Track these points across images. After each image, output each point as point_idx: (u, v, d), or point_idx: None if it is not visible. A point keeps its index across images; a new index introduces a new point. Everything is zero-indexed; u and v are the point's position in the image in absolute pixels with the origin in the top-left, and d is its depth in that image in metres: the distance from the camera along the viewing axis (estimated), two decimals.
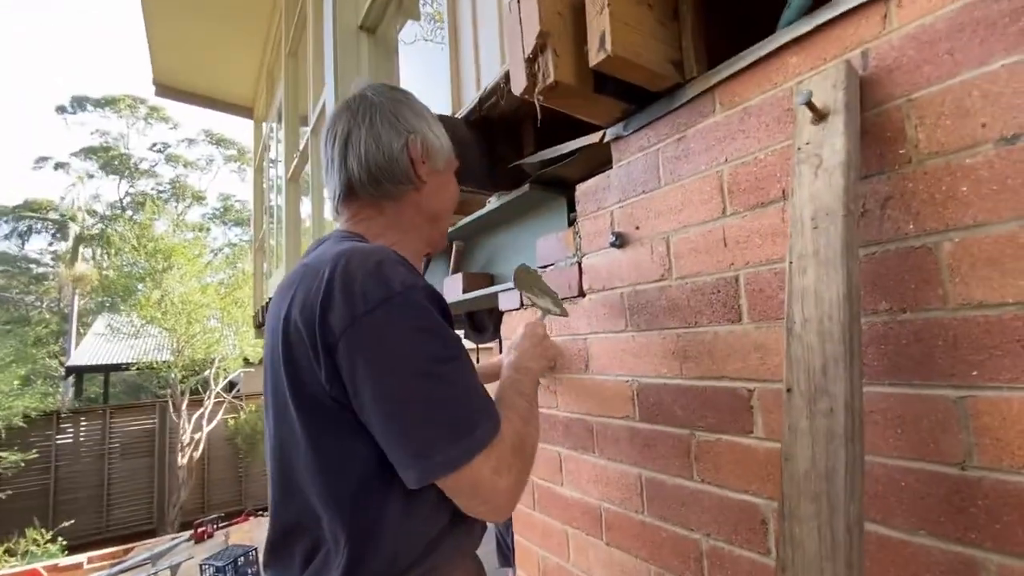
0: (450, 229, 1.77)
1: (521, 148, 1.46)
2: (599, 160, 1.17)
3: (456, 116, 1.47)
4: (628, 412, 1.04)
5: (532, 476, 1.36)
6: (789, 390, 0.58)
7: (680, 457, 0.93)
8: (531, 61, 0.90)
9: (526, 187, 1.34)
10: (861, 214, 0.67)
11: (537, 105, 0.94)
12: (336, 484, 0.64)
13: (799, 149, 0.66)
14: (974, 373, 0.58)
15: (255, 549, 4.82)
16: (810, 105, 0.64)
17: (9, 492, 7.26)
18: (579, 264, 1.18)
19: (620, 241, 1.05)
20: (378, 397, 0.59)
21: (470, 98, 1.45)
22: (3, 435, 7.13)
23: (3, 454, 7.08)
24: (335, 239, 0.80)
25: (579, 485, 1.18)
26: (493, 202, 1.51)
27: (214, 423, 8.94)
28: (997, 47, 0.56)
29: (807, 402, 0.55)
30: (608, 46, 0.81)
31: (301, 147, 4.03)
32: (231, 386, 10.50)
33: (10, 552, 6.71)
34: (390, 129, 0.82)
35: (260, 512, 6.81)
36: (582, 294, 1.17)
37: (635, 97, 0.98)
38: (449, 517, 0.71)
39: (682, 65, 0.91)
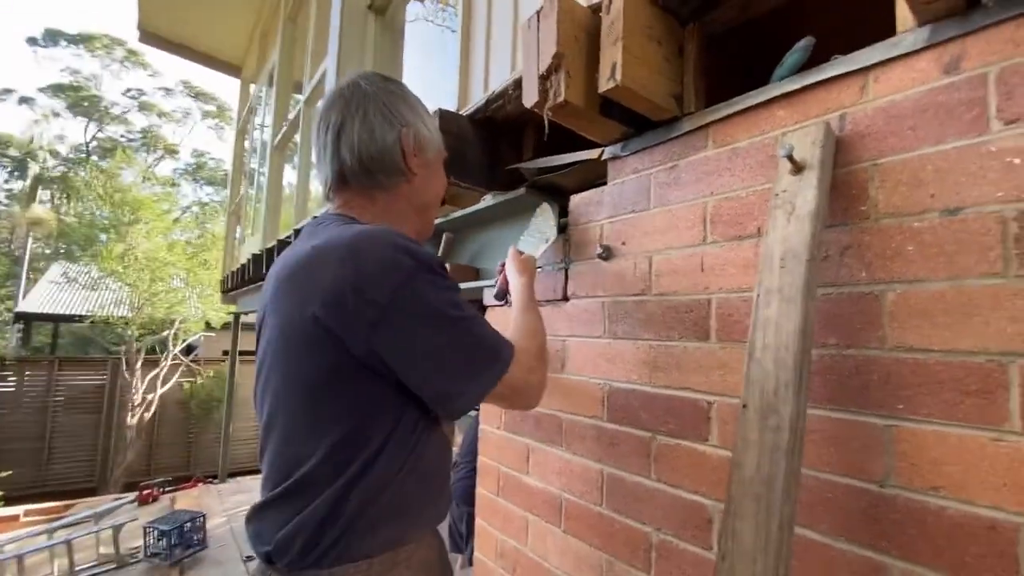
0: (442, 220, 1.82)
1: (521, 151, 1.52)
2: (594, 174, 1.24)
3: (461, 112, 1.51)
4: (597, 412, 1.12)
5: (498, 465, 1.43)
6: (745, 406, 0.66)
7: (641, 457, 1.01)
8: (544, 78, 0.96)
9: (522, 190, 1.40)
10: (823, 258, 0.76)
11: (545, 119, 1.01)
12: (341, 452, 0.69)
13: (776, 195, 0.75)
14: (900, 406, 0.68)
15: (203, 515, 4.76)
16: (791, 158, 0.72)
17: None
18: (566, 271, 1.25)
19: (607, 254, 1.12)
20: (431, 349, 0.70)
21: (477, 97, 1.50)
22: None
23: None
24: (338, 222, 0.81)
25: (544, 476, 1.26)
26: (488, 200, 1.56)
27: (168, 385, 8.71)
28: (951, 130, 0.66)
29: (759, 417, 0.64)
30: (618, 76, 0.87)
31: (292, 116, 3.97)
32: (189, 349, 10.23)
33: None
34: (383, 121, 0.84)
35: (210, 479, 6.69)
36: (566, 298, 1.24)
37: (635, 122, 1.05)
38: (428, 494, 0.77)
39: (682, 99, 0.99)
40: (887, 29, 0.74)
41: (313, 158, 0.92)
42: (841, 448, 0.73)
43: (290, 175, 5.10)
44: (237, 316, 6.75)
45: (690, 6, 0.96)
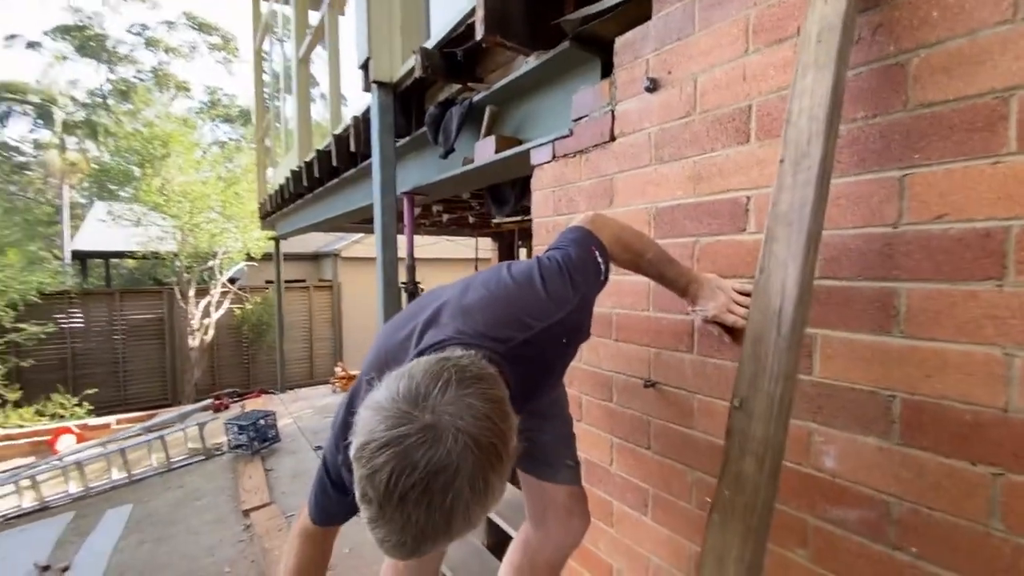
0: (485, 92, 1.91)
1: (563, 7, 1.58)
2: (634, 17, 1.31)
3: None
4: (645, 232, 1.28)
5: None
6: (782, 161, 0.80)
7: (684, 260, 1.17)
8: None
9: (566, 43, 1.48)
10: (856, 40, 0.86)
11: None
12: None
13: None
14: (916, 156, 0.80)
15: (274, 413, 5.33)
16: None
17: (32, 362, 7.73)
18: (612, 112, 1.36)
19: (653, 85, 1.22)
20: None
21: None
22: (21, 308, 7.46)
23: (23, 326, 7.45)
24: None
25: (598, 302, 1.45)
26: (532, 61, 1.64)
27: (220, 311, 9.32)
28: None
29: (792, 165, 0.78)
30: None
31: (315, 24, 3.94)
32: (232, 281, 10.75)
33: (40, 413, 7.30)
34: None
35: (271, 391, 7.35)
36: (613, 139, 1.36)
37: None
38: None
39: None
40: None
41: None
42: (864, 205, 0.86)
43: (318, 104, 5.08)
44: (278, 242, 7.05)
45: None
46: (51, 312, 8.32)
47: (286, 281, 8.06)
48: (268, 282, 9.83)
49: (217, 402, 6.79)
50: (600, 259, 0.95)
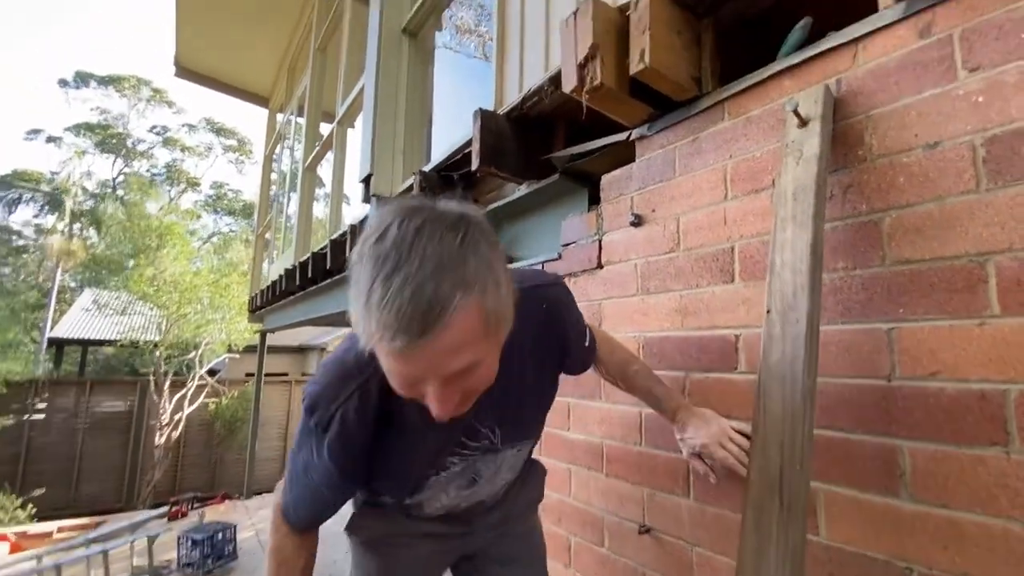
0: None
1: (552, 144, 1.69)
2: (620, 159, 1.40)
3: (498, 112, 1.70)
4: None
5: None
6: (769, 311, 0.80)
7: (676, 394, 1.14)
8: (582, 67, 1.14)
9: (556, 176, 1.57)
10: (829, 197, 0.90)
11: (584, 103, 1.17)
12: None
13: (786, 145, 0.89)
14: (900, 311, 0.81)
15: (234, 526, 4.86)
16: (796, 112, 0.88)
17: None
18: (599, 241, 1.40)
19: (638, 221, 1.27)
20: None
21: (512, 97, 1.69)
22: None
23: None
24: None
25: (585, 428, 1.38)
26: (523, 189, 1.73)
27: (195, 406, 8.92)
28: (927, 82, 0.81)
29: (780, 316, 0.77)
30: (647, 59, 1.04)
31: (324, 137, 4.23)
32: (212, 373, 10.44)
33: None
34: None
35: (236, 496, 6.79)
36: (600, 266, 1.39)
37: (660, 103, 1.21)
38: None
39: (700, 81, 1.15)
40: (871, 4, 0.90)
41: None
42: (854, 355, 0.85)
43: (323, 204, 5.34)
44: (263, 335, 6.96)
45: (704, 3, 1.13)
46: (17, 400, 7.90)
47: (268, 374, 7.82)
48: (248, 375, 9.54)
49: (174, 509, 6.24)
50: (588, 331, 1.01)
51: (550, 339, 0.87)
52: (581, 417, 1.40)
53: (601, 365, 1.09)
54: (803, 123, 0.89)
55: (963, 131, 0.76)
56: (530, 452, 1.05)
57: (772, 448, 0.70)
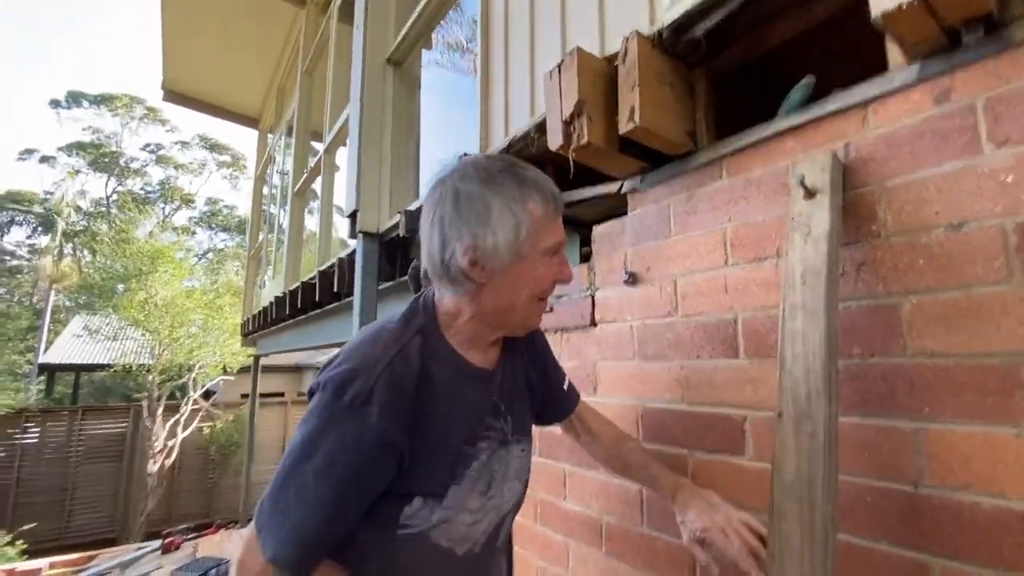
0: None
1: None
2: (613, 206, 1.33)
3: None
4: (632, 432, 1.17)
5: (535, 491, 1.46)
6: (780, 414, 0.71)
7: (680, 474, 1.05)
8: (567, 123, 1.06)
9: None
10: (841, 274, 0.82)
11: (570, 160, 1.09)
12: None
13: (792, 219, 0.82)
14: (926, 409, 0.72)
15: (227, 561, 4.73)
16: (803, 184, 0.80)
17: None
18: (592, 297, 1.31)
19: (632, 279, 1.19)
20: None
21: (498, 140, 1.61)
22: None
23: None
24: (413, 306, 0.87)
25: (582, 499, 1.29)
26: None
27: (189, 431, 8.76)
28: (948, 154, 0.73)
29: (794, 424, 0.69)
30: (636, 119, 0.96)
31: (312, 164, 4.15)
32: (207, 395, 10.31)
33: None
34: (452, 232, 0.79)
35: (230, 524, 6.65)
36: (593, 324, 1.30)
37: (652, 157, 1.13)
38: None
39: (695, 135, 1.07)
40: (879, 56, 0.82)
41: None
42: (874, 453, 0.77)
43: (312, 221, 5.27)
44: (257, 359, 6.84)
45: (697, 53, 1.05)
46: (6, 430, 7.75)
47: (263, 394, 7.69)
48: (244, 396, 9.41)
49: (167, 541, 6.08)
50: (567, 378, 1.08)
51: (534, 353, 1.01)
52: (577, 486, 1.31)
53: (593, 440, 1.07)
54: (810, 194, 0.81)
55: (991, 212, 0.68)
56: (527, 476, 0.97)
57: None
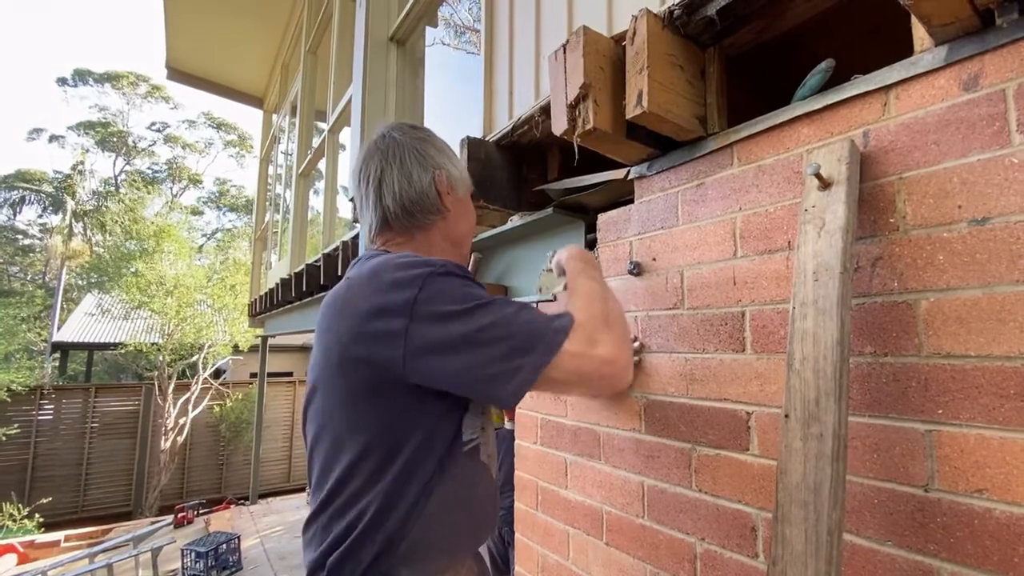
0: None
1: (546, 172, 1.57)
2: (620, 191, 1.29)
3: (487, 139, 1.58)
4: (635, 425, 1.15)
5: (536, 479, 1.46)
6: (787, 416, 0.69)
7: (681, 468, 1.04)
8: (572, 107, 1.02)
9: (549, 210, 1.45)
10: (855, 270, 0.79)
11: (575, 145, 1.05)
12: (372, 459, 0.73)
13: (805, 211, 0.78)
14: (939, 411, 0.69)
15: (238, 537, 4.84)
16: (818, 175, 0.76)
17: None
18: None
19: (638, 269, 1.16)
20: (459, 343, 0.69)
21: (502, 123, 1.57)
22: None
23: None
24: (367, 256, 0.87)
25: (583, 489, 1.29)
26: (515, 220, 1.62)
27: (199, 409, 8.91)
28: (974, 144, 0.69)
29: (801, 426, 0.66)
30: (645, 103, 0.92)
31: (316, 144, 4.11)
32: (217, 373, 10.46)
33: None
34: (419, 166, 0.90)
35: (241, 500, 6.80)
36: None
37: (660, 143, 1.09)
38: (468, 521, 0.81)
39: (706, 120, 1.03)
40: (901, 42, 0.77)
41: (357, 209, 0.99)
42: (884, 454, 0.75)
43: (317, 200, 5.24)
44: (265, 339, 6.90)
45: (709, 32, 1.00)
46: (22, 407, 7.92)
47: (271, 373, 7.77)
48: (253, 375, 9.54)
49: (180, 516, 6.24)
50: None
51: None
52: (579, 476, 1.30)
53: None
54: (825, 186, 0.77)
55: (1018, 207, 0.64)
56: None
57: None
